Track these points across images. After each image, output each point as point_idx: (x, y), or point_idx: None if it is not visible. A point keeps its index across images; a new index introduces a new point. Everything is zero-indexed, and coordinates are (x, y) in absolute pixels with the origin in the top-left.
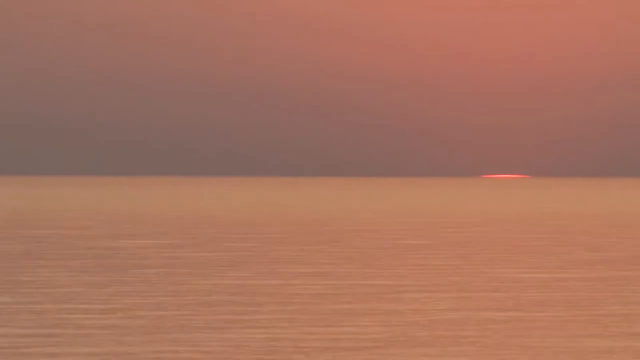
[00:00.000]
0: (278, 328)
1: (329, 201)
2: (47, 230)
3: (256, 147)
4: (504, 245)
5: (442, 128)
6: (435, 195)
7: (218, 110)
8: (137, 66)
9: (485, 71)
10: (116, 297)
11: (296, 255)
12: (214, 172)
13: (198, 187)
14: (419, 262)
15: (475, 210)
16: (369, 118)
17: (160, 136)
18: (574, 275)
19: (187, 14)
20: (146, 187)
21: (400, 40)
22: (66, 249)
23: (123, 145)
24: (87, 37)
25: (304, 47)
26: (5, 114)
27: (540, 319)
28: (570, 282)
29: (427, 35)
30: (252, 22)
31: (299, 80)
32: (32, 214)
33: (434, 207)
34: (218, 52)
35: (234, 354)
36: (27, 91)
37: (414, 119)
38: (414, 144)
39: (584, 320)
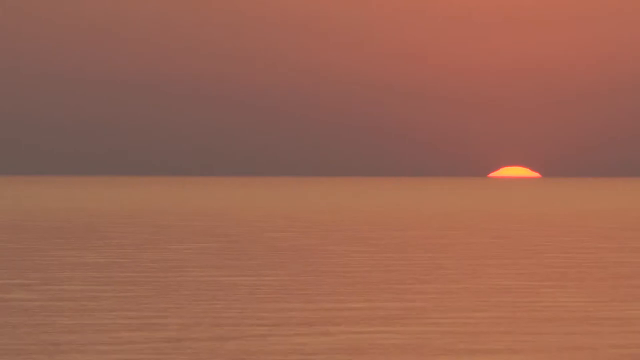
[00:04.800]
0: None
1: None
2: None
3: (255, 147)
4: None
5: (447, 128)
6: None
7: (217, 110)
8: (136, 67)
9: (495, 77)
10: None
11: None
12: (213, 172)
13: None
14: None
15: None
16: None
17: (159, 136)
18: None
19: (187, 15)
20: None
21: (407, 45)
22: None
23: (123, 145)
24: (87, 38)
25: (311, 50)
26: (5, 114)
27: None
28: None
29: (430, 35)
30: (252, 24)
31: (302, 81)
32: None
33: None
34: (219, 53)
35: None
36: (27, 92)
37: (421, 118)
38: (419, 143)
39: None
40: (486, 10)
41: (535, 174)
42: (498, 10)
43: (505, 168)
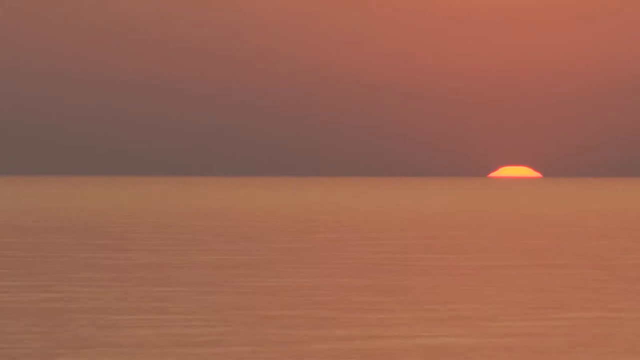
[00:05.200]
0: None
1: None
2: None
3: (255, 147)
4: None
5: (450, 128)
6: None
7: (217, 109)
8: (136, 67)
9: (499, 76)
10: None
11: None
12: (214, 172)
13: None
14: None
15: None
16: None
17: (160, 136)
18: None
19: (186, 15)
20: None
21: (407, 45)
22: None
23: (123, 145)
24: (87, 38)
25: (311, 50)
26: (6, 114)
27: None
28: None
29: (430, 34)
30: (252, 24)
31: (302, 81)
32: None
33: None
34: (219, 53)
35: None
36: (28, 92)
37: (425, 118)
38: (419, 143)
39: None
40: (486, 9)
41: (536, 174)
42: (498, 10)
43: (506, 168)
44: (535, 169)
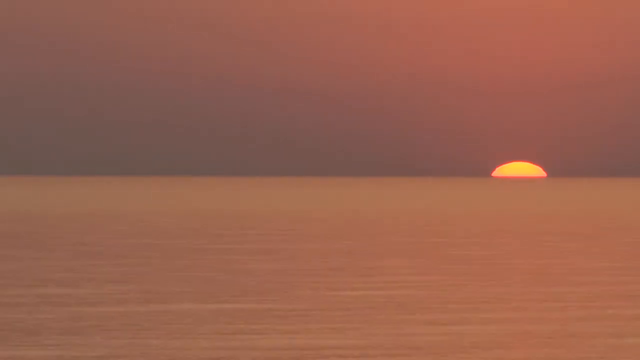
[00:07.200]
0: None
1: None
2: None
3: (258, 146)
4: None
5: (451, 126)
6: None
7: (221, 109)
8: (136, 67)
9: (499, 70)
10: None
11: None
12: (215, 172)
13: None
14: None
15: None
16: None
17: (162, 136)
18: None
19: (185, 15)
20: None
21: (409, 43)
22: None
23: (125, 145)
24: (87, 38)
25: (310, 43)
26: (6, 114)
27: None
28: None
29: (436, 33)
30: (255, 19)
31: (304, 77)
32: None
33: None
34: (220, 53)
35: None
36: (28, 91)
37: (424, 116)
38: (422, 142)
39: None
40: (487, 7)
41: (542, 174)
42: (499, 7)
43: (513, 164)
44: (544, 168)
